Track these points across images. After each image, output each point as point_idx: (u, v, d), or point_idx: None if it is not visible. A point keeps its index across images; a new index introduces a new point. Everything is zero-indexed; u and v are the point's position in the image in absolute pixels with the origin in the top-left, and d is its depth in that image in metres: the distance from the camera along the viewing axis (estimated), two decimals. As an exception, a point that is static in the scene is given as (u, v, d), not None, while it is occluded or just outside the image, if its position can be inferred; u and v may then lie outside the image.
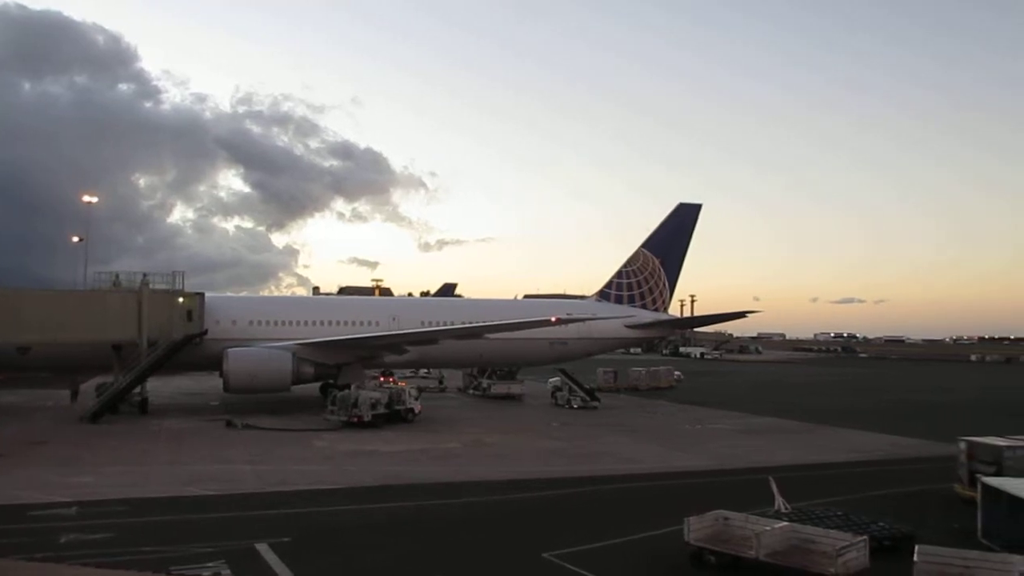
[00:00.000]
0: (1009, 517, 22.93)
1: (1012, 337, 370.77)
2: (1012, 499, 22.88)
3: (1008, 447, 30.72)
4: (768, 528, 21.76)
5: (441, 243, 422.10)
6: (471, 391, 76.14)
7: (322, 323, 64.24)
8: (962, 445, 32.39)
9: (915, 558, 19.16)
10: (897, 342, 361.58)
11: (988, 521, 24.41)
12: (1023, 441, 32.04)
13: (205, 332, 56.66)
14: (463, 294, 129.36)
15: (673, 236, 79.57)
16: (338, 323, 64.76)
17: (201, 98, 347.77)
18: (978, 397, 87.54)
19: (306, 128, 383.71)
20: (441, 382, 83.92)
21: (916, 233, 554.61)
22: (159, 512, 27.49)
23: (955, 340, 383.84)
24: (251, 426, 49.16)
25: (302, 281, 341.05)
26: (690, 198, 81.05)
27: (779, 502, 26.54)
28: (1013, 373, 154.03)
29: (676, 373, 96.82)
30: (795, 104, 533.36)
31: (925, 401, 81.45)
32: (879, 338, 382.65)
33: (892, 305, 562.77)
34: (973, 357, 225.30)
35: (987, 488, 24.77)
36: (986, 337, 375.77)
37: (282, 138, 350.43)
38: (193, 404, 63.11)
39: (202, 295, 58.46)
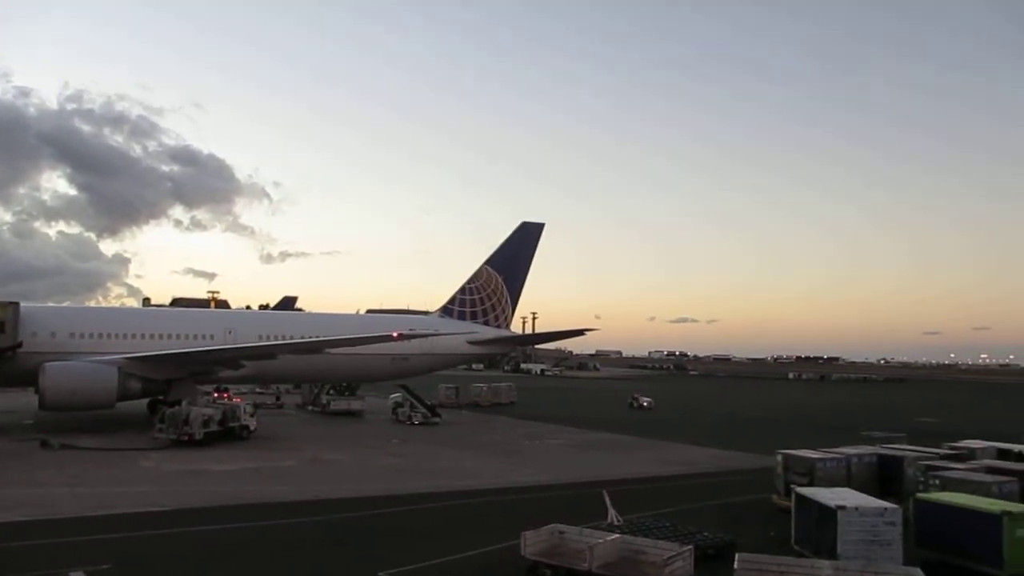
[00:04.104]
0: (819, 525, 24.59)
1: (825, 356, 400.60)
2: (821, 508, 24.62)
3: (819, 459, 33.26)
4: (601, 541, 22.43)
5: (284, 255, 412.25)
6: (310, 407, 74.50)
7: (152, 336, 61.19)
8: (779, 457, 34.82)
9: (736, 565, 20.30)
10: (724, 360, 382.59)
11: (800, 529, 26.15)
12: (833, 454, 34.77)
13: (19, 345, 52.81)
14: (304, 308, 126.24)
15: (516, 254, 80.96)
16: (169, 336, 61.86)
17: (25, 92, 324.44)
18: (795, 412, 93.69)
19: (144, 129, 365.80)
20: (278, 398, 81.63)
21: (744, 258, 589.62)
22: (-41, 541, 25.12)
23: (776, 359, 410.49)
24: (69, 446, 45.93)
25: (132, 292, 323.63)
26: (534, 217, 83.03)
27: (612, 514, 27.45)
28: (826, 390, 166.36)
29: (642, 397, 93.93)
30: (642, 130, 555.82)
31: (748, 416, 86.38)
32: (709, 356, 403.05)
33: (723, 325, 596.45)
34: (791, 375, 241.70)
35: (800, 498, 26.59)
36: (803, 356, 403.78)
37: (115, 139, 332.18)
38: (3, 423, 58.22)
39: (16, 304, 54.63)
